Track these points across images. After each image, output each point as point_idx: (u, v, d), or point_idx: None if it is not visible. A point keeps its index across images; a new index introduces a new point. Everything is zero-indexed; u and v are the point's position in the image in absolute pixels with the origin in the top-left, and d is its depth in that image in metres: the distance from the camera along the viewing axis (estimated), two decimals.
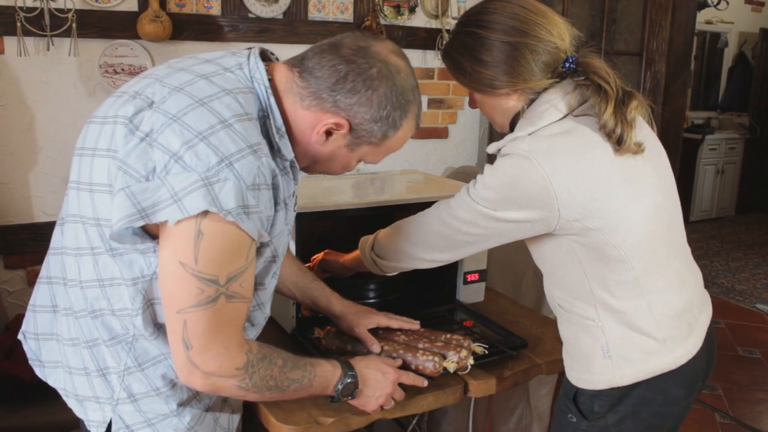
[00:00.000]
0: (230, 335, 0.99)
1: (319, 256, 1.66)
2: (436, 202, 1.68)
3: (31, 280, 2.27)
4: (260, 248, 1.05)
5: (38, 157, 2.22)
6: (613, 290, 1.19)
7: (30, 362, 1.18)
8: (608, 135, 1.13)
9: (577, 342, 1.26)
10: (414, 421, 1.68)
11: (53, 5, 2.11)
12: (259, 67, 1.04)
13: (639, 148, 1.15)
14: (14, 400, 1.82)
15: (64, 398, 1.14)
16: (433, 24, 2.87)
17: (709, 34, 6.64)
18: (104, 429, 1.08)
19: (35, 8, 2.09)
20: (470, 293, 1.77)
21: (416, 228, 1.36)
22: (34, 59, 2.15)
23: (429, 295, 1.76)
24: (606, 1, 2.85)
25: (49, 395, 1.54)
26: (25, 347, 1.19)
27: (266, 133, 1.02)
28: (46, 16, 2.10)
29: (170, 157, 0.92)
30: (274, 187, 1.01)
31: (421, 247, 1.36)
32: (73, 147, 1.10)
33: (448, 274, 1.76)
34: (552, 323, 1.68)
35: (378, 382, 1.22)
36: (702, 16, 5.96)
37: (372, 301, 1.70)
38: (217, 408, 1.16)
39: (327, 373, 1.15)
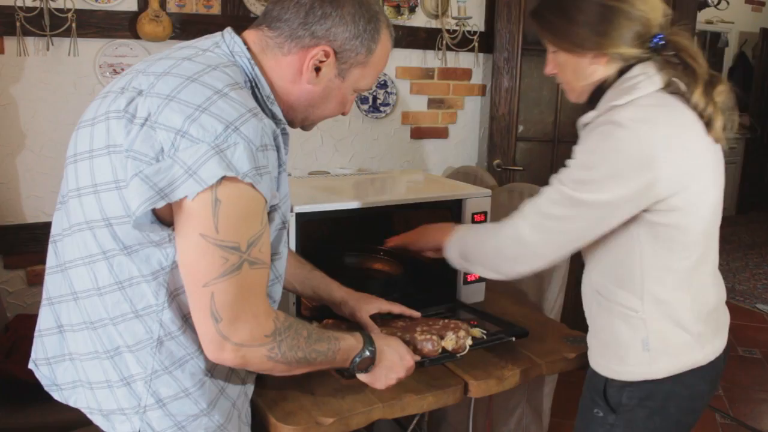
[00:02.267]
0: (257, 303, 1.00)
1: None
2: (435, 202, 1.68)
3: (31, 280, 2.27)
4: (270, 213, 1.05)
5: (38, 157, 2.22)
6: (665, 279, 1.20)
7: (46, 389, 1.16)
8: (700, 115, 1.16)
9: (613, 331, 1.26)
10: (414, 421, 1.68)
11: (53, 5, 2.11)
12: (236, 41, 1.07)
13: (721, 136, 1.18)
14: (14, 400, 1.82)
15: (89, 416, 1.11)
16: (433, 24, 2.87)
17: (709, 34, 6.64)
18: None
19: (35, 8, 2.09)
20: (470, 293, 1.77)
21: (507, 242, 1.27)
22: (33, 59, 2.15)
23: (429, 295, 1.76)
24: None
25: (48, 395, 1.53)
26: (38, 375, 1.16)
27: (257, 102, 1.04)
28: (46, 16, 2.10)
29: (175, 134, 0.92)
30: (277, 148, 1.03)
31: (519, 261, 1.27)
32: None
33: (448, 274, 1.76)
34: (552, 323, 1.69)
35: (394, 364, 1.23)
36: (702, 16, 5.96)
37: None
38: (240, 402, 1.16)
39: (350, 347, 1.17)
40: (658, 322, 1.22)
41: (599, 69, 1.22)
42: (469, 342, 1.37)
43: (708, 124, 1.16)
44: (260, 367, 1.04)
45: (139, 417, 1.04)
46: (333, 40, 1.06)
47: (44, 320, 1.14)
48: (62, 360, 1.12)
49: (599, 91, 1.23)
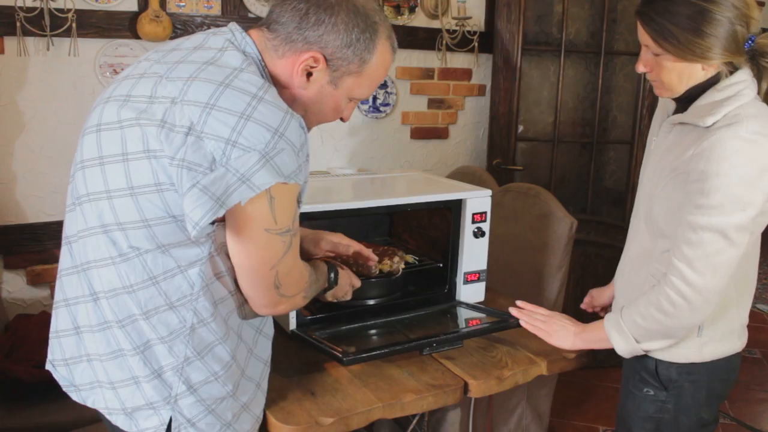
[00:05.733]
0: (299, 262, 1.15)
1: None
2: (435, 202, 1.68)
3: (31, 281, 2.27)
4: None
5: (38, 157, 2.22)
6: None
7: (64, 389, 1.18)
8: None
9: None
10: (414, 421, 1.68)
11: (53, 5, 2.11)
12: (248, 41, 1.08)
13: None
14: (14, 400, 1.82)
15: (107, 417, 1.12)
16: (433, 24, 2.87)
17: None
18: None
19: (35, 8, 2.09)
20: (470, 293, 1.77)
21: (669, 305, 1.25)
22: (34, 59, 2.15)
23: (429, 295, 1.76)
24: (606, 1, 2.85)
25: (49, 395, 1.53)
26: (56, 376, 1.18)
27: None
28: (46, 16, 2.10)
29: (225, 144, 0.95)
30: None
31: (695, 316, 1.26)
32: (74, 147, 1.10)
33: (448, 274, 1.76)
34: None
35: (345, 284, 1.45)
36: None
37: (372, 301, 1.70)
38: (264, 383, 1.22)
39: (324, 273, 1.36)
40: (713, 311, 1.27)
41: (702, 72, 1.25)
42: (402, 266, 1.65)
43: None
44: (295, 308, 1.22)
45: (170, 407, 1.08)
46: (324, 47, 1.08)
47: (61, 321, 1.14)
48: (80, 361, 1.13)
49: (692, 91, 1.27)
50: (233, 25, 1.11)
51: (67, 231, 1.12)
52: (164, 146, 0.97)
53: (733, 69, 1.25)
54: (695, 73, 1.25)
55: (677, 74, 1.26)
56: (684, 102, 1.31)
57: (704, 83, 1.26)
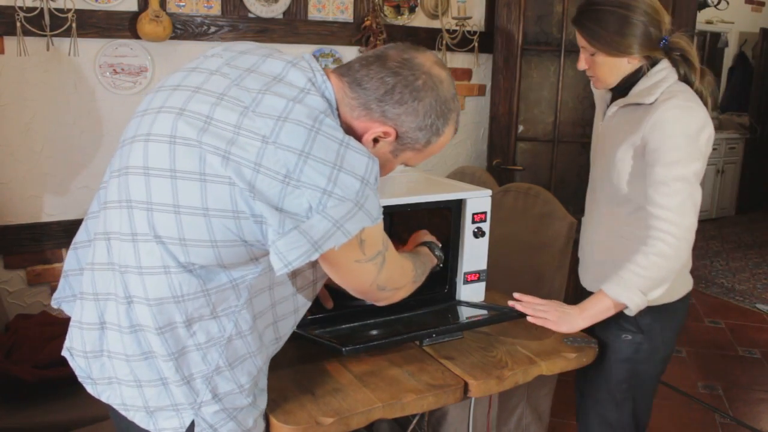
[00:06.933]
0: (401, 264, 1.27)
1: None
2: (435, 202, 1.68)
3: (31, 281, 2.27)
4: None
5: (38, 157, 2.22)
6: None
7: (80, 380, 1.18)
8: (700, 97, 1.50)
9: None
10: (414, 421, 1.68)
11: (53, 5, 2.11)
12: (327, 87, 1.08)
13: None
14: (14, 400, 1.82)
15: (123, 413, 1.13)
16: (433, 24, 2.87)
17: (709, 34, 6.63)
18: None
19: (35, 8, 2.09)
20: (470, 293, 1.77)
21: (668, 248, 1.42)
22: (34, 59, 2.16)
23: (429, 295, 1.76)
24: None
25: (49, 395, 1.53)
26: (72, 364, 1.18)
27: None
28: (46, 16, 2.10)
29: (321, 194, 0.99)
30: None
31: (687, 252, 1.45)
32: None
33: (448, 274, 1.76)
34: None
35: None
36: (702, 16, 5.96)
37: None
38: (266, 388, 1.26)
39: (426, 253, 1.51)
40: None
41: (628, 65, 1.54)
42: None
43: (705, 104, 1.50)
44: (411, 291, 1.33)
45: (194, 411, 1.10)
46: (399, 125, 1.10)
47: (86, 314, 1.14)
48: (100, 356, 1.13)
49: (626, 81, 1.56)
50: (313, 62, 1.10)
51: (107, 227, 1.11)
52: (259, 188, 0.98)
53: (654, 61, 1.53)
54: (622, 66, 1.54)
55: (608, 68, 1.55)
56: (619, 91, 1.59)
57: (633, 75, 1.54)
